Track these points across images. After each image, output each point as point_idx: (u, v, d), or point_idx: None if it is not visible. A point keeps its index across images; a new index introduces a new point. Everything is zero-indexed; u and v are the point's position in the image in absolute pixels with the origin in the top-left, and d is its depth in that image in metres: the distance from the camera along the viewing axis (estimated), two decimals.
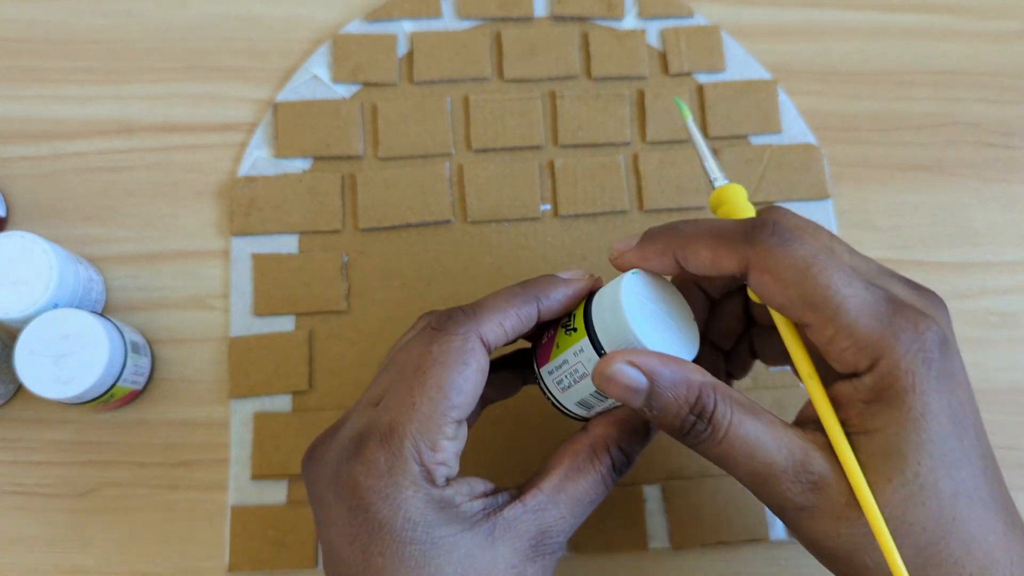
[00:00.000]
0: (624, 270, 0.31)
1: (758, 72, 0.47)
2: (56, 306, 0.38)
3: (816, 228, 0.30)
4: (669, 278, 0.32)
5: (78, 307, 0.39)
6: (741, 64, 0.47)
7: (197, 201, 0.44)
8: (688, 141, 0.46)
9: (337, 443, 0.30)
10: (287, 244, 0.44)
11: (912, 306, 0.27)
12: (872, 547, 0.27)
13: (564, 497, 0.31)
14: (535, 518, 0.30)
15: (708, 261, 0.29)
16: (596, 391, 0.31)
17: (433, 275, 0.44)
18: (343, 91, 0.46)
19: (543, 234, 0.44)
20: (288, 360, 0.42)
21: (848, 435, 0.27)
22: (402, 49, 0.46)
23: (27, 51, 0.46)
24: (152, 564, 0.40)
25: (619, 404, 0.32)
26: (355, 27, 0.47)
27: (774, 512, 0.29)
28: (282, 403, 0.42)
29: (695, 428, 0.28)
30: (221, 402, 0.42)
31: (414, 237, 0.44)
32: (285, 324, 0.43)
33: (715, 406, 0.28)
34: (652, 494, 0.41)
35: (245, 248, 0.43)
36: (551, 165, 0.45)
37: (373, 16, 0.47)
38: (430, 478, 0.29)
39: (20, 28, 0.46)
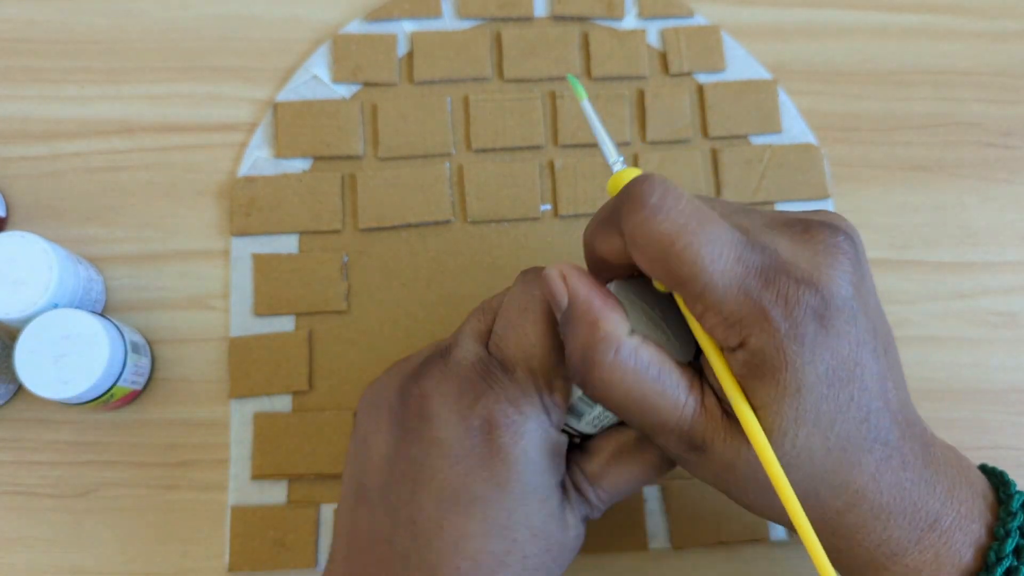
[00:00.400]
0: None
1: (758, 72, 0.47)
2: (56, 306, 0.38)
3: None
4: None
5: (78, 307, 0.39)
6: (741, 64, 0.47)
7: (197, 201, 0.44)
8: (688, 141, 0.46)
9: (455, 365, 0.30)
10: (287, 244, 0.44)
11: (787, 273, 0.26)
12: (749, 489, 0.28)
13: (605, 483, 0.32)
14: (578, 497, 0.32)
15: (608, 251, 0.29)
16: (580, 396, 0.31)
17: (433, 275, 0.44)
18: (343, 91, 0.46)
19: (543, 234, 0.44)
20: (288, 360, 0.42)
21: (730, 414, 0.28)
22: (402, 49, 0.46)
23: (27, 51, 0.46)
24: (152, 564, 0.40)
25: (607, 418, 0.32)
26: (355, 27, 0.47)
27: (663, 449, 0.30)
28: (282, 403, 0.42)
29: (591, 351, 0.28)
30: (221, 402, 0.42)
31: (414, 237, 0.44)
32: (285, 324, 0.43)
33: (620, 344, 0.27)
34: (652, 494, 0.41)
35: (245, 248, 0.43)
36: (551, 165, 0.45)
37: (373, 16, 0.47)
38: (548, 416, 0.30)
39: (20, 28, 0.46)
